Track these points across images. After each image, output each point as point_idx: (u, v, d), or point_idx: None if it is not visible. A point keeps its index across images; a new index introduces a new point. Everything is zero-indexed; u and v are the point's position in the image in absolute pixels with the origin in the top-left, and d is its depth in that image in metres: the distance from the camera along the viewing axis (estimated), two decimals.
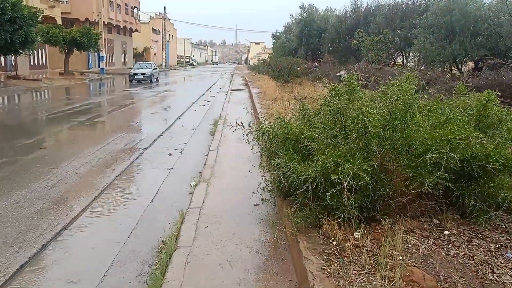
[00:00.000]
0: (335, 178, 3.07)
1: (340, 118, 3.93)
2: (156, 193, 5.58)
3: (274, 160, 4.07)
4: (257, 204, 4.81)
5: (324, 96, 6.56)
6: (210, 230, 4.08)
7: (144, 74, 29.00)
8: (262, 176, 5.00)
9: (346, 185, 3.01)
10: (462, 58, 17.03)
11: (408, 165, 3.28)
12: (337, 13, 35.09)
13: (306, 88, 19.23)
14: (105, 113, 13.61)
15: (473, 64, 19.03)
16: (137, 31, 59.49)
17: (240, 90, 22.60)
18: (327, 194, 3.27)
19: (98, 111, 13.79)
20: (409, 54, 26.52)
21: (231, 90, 22.56)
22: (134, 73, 29.15)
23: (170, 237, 3.96)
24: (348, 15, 31.82)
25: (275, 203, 4.51)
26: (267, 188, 4.30)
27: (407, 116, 3.37)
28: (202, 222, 4.27)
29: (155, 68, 31.73)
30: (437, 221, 3.53)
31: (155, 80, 30.33)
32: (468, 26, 16.76)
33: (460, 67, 18.43)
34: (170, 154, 7.98)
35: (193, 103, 16.96)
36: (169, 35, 79.93)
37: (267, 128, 4.36)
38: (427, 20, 18.84)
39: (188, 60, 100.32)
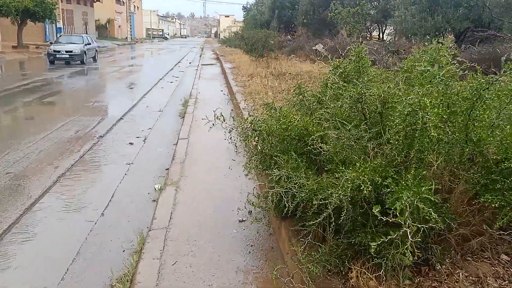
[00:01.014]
0: (382, 217, 1.92)
1: (363, 109, 2.77)
2: (109, 201, 4.31)
3: (270, 168, 2.90)
4: (243, 220, 3.64)
5: (324, 75, 5.38)
6: (180, 269, 2.88)
7: (72, 52, 19.93)
8: (247, 176, 3.81)
9: (405, 228, 1.86)
10: (445, 30, 16.13)
11: (486, 186, 2.16)
12: None
13: (282, 62, 17.95)
14: (58, 92, 11.92)
15: (453, 37, 18.23)
16: (99, 1, 55.79)
17: (211, 65, 21.08)
18: (358, 231, 2.14)
19: (50, 89, 12.08)
20: (385, 27, 25.57)
21: (202, 64, 21.01)
22: (55, 51, 19.94)
23: (121, 281, 2.76)
24: None
25: (269, 223, 3.35)
26: (259, 205, 3.12)
27: (477, 108, 2.23)
28: (169, 254, 3.05)
29: (89, 43, 22.15)
30: (507, 258, 2.48)
31: (90, 59, 21.96)
32: None
33: (442, 40, 17.58)
34: (131, 144, 6.65)
35: (160, 79, 15.41)
36: (134, 6, 75.93)
37: (259, 123, 3.13)
38: None
39: (161, 33, 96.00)
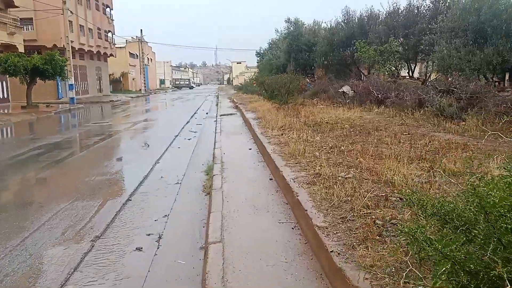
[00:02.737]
0: None
1: None
2: None
3: None
4: None
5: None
6: None
7: None
8: None
9: None
10: (497, 63, 14.06)
11: None
12: (326, 25, 32.51)
13: (311, 108, 16.05)
14: (53, 163, 9.97)
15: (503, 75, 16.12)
16: (113, 55, 56.10)
17: (231, 115, 19.31)
18: None
19: (47, 159, 10.23)
20: (415, 65, 23.76)
21: (221, 115, 19.25)
22: None
23: None
24: (340, 26, 29.07)
25: None
26: None
27: None
28: None
29: None
30: None
31: None
32: (501, 26, 13.93)
33: (492, 76, 15.54)
34: (139, 250, 4.55)
35: (176, 136, 13.57)
36: (148, 58, 76.74)
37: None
38: (446, 23, 16.01)
39: (187, 82, 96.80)
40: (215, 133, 13.10)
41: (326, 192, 4.83)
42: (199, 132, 14.45)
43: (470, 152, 6.93)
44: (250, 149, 9.79)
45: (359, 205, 4.27)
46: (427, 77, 21.95)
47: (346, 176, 5.52)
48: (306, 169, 6.18)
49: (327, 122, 11.45)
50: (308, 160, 6.71)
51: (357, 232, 3.64)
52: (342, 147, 7.68)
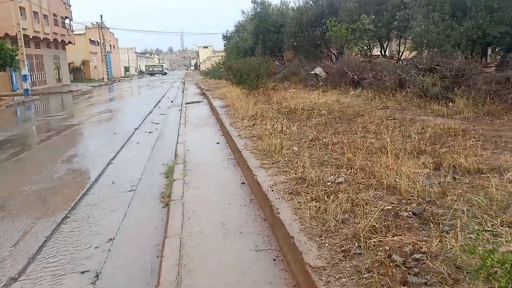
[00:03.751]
0: None
1: None
2: None
3: None
4: None
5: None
6: None
7: None
8: None
9: None
10: (478, 39, 13.24)
11: None
12: (295, 5, 31.31)
13: (283, 93, 14.92)
14: None
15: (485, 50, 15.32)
16: (71, 43, 52.83)
17: (197, 102, 17.90)
18: None
19: None
20: (388, 43, 22.91)
21: (186, 103, 17.82)
22: None
23: None
24: (309, 5, 27.92)
25: None
26: None
27: None
28: None
29: None
30: None
31: None
32: None
33: (472, 52, 14.76)
34: None
35: (136, 129, 12.14)
36: (110, 45, 73.26)
37: None
38: None
39: (160, 69, 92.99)
40: (179, 124, 11.76)
41: (315, 207, 3.70)
42: (161, 124, 13.06)
43: (473, 139, 5.97)
44: (218, 143, 8.56)
45: (363, 227, 3.17)
46: (400, 56, 21.17)
47: (336, 181, 4.41)
48: (285, 171, 5.02)
49: (302, 109, 10.33)
50: (287, 159, 5.57)
51: (369, 277, 2.52)
52: (324, 139, 6.58)
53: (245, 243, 3.74)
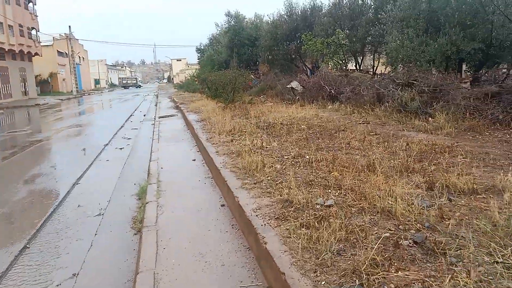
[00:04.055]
0: None
1: None
2: None
3: None
4: None
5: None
6: None
7: None
8: None
9: None
10: (452, 54, 13.38)
11: None
12: (269, 18, 31.24)
13: (260, 107, 14.62)
14: None
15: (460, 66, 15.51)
16: (38, 54, 51.17)
17: (171, 116, 17.37)
18: None
19: None
20: (363, 58, 23.09)
21: (160, 117, 17.26)
22: None
23: None
24: (283, 19, 27.93)
25: None
26: None
27: None
28: None
29: None
30: None
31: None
32: (453, 14, 13.28)
33: (446, 67, 14.90)
34: None
35: (106, 145, 11.53)
36: (79, 57, 71.60)
37: None
38: (396, 12, 15.23)
39: (135, 81, 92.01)
40: (152, 140, 11.23)
41: (306, 236, 3.33)
42: (133, 139, 12.48)
43: (460, 156, 5.78)
44: (194, 160, 8.12)
45: (363, 261, 2.82)
46: (374, 70, 21.33)
47: (326, 203, 4.06)
48: (269, 192, 4.64)
49: (281, 123, 10.03)
50: (269, 178, 5.19)
51: None
52: (307, 156, 6.25)
53: (228, 279, 3.32)
